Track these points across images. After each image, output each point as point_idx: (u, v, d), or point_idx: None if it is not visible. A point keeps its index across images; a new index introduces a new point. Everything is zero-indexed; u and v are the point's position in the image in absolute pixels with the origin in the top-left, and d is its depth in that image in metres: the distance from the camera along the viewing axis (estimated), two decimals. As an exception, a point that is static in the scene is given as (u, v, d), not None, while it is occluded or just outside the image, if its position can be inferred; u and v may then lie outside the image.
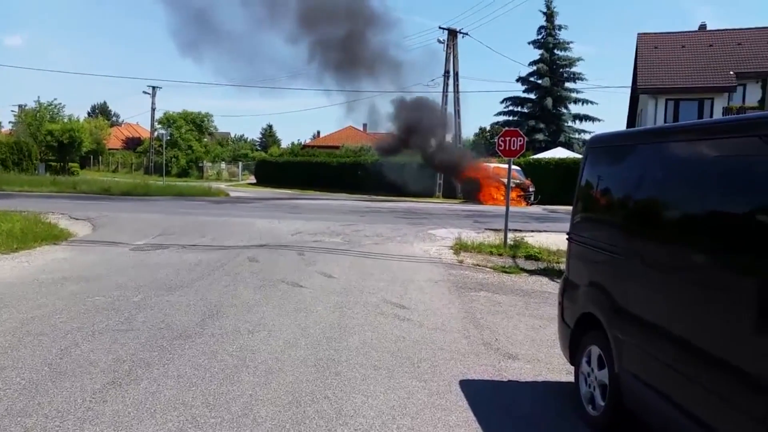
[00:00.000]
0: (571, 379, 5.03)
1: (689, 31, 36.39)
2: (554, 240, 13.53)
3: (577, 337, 4.61)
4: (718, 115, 27.93)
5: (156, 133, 55.46)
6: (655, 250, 3.64)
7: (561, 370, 5.43)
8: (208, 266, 9.85)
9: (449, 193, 34.35)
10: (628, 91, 38.64)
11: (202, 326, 6.39)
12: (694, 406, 3.05)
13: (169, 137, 48.75)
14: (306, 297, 7.91)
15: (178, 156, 55.95)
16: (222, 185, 39.63)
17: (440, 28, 35.48)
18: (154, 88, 56.43)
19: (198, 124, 59.66)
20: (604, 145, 4.92)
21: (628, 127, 38.52)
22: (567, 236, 5.08)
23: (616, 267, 4.00)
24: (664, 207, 3.66)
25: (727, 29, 34.49)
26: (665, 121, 30.12)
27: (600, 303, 4.20)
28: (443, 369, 5.35)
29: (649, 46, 34.13)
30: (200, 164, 57.10)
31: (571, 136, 52.26)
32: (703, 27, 36.84)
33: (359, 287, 8.67)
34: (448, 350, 5.90)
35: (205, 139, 61.38)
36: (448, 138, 35.15)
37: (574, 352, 4.68)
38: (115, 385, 4.66)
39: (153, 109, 57.68)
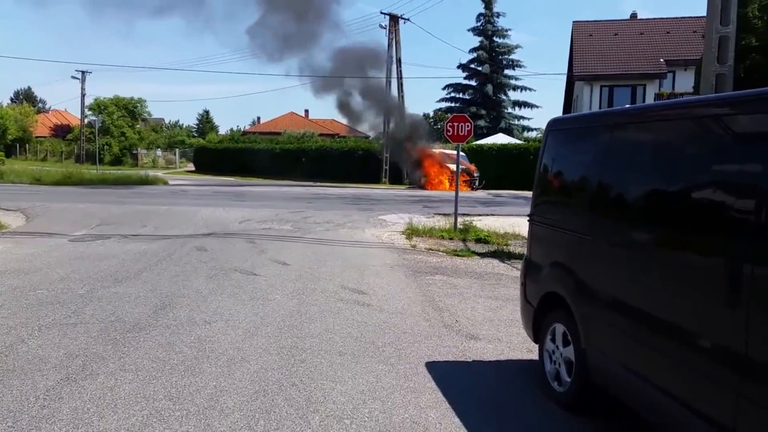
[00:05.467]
0: (533, 357, 5.16)
1: (621, 20, 37.74)
2: (501, 223, 13.84)
3: (540, 315, 4.71)
4: (650, 100, 29.14)
5: (87, 120, 52.90)
6: (623, 230, 3.73)
7: (522, 349, 5.55)
8: (154, 256, 9.51)
9: (395, 179, 34.49)
10: (565, 77, 39.79)
11: (155, 318, 6.17)
12: (664, 379, 3.16)
13: (100, 124, 46.60)
14: (261, 285, 7.76)
15: (110, 143, 53.71)
16: (159, 173, 38.27)
17: (382, 13, 35.39)
18: (83, 72, 53.89)
19: (130, 110, 57.34)
20: (565, 128, 5.01)
21: (564, 112, 39.68)
22: (528, 218, 5.16)
23: (582, 247, 4.09)
24: (630, 187, 3.76)
25: (656, 18, 36.08)
26: (600, 107, 31.20)
27: (565, 282, 4.29)
28: (408, 352, 5.37)
29: (583, 34, 35.18)
30: (134, 151, 55.00)
31: (511, 122, 53.38)
32: (634, 16, 38.28)
33: (315, 274, 8.57)
34: (410, 333, 5.93)
35: (139, 126, 59.06)
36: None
37: (538, 331, 4.78)
38: (69, 381, 4.43)
39: (83, 95, 55.18)
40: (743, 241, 2.69)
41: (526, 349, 5.49)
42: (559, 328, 4.36)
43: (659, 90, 30.26)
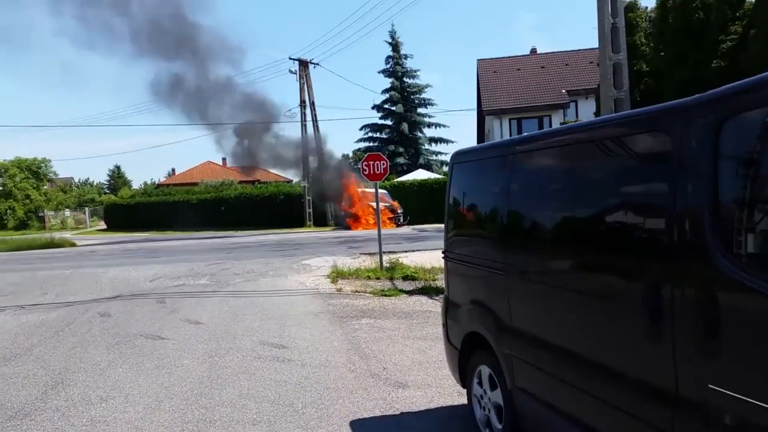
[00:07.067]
0: (464, 400, 4.85)
1: (523, 55, 39.63)
2: (428, 258, 13.70)
3: (465, 358, 4.42)
4: (557, 129, 30.45)
5: (-15, 185, 49.45)
6: (537, 262, 3.51)
7: (452, 392, 5.24)
8: (51, 327, 8.62)
9: (319, 222, 34.03)
10: (475, 113, 41.10)
11: (43, 400, 5.45)
12: (595, 420, 2.91)
13: (1, 188, 43.66)
14: (169, 350, 7.10)
15: (14, 207, 50.27)
16: (68, 234, 36.07)
17: (291, 59, 35.28)
18: (-22, 134, 50.47)
19: (35, 171, 54.12)
20: (468, 160, 4.81)
21: (479, 145, 40.79)
22: (443, 255, 4.92)
23: (496, 283, 3.85)
24: (538, 216, 3.57)
25: (555, 52, 38.05)
26: (512, 138, 32.27)
27: (485, 321, 4.03)
28: (331, 411, 4.93)
29: (488, 71, 36.62)
30: (41, 214, 51.74)
31: (429, 158, 54.40)
32: (534, 51, 40.29)
33: (231, 331, 7.98)
34: (334, 389, 5.49)
35: (45, 187, 55.82)
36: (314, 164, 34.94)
37: (464, 374, 4.48)
38: None
39: (-21, 158, 51.46)
40: (659, 262, 2.50)
41: (457, 393, 5.17)
42: (485, 371, 4.08)
43: (564, 119, 31.76)
